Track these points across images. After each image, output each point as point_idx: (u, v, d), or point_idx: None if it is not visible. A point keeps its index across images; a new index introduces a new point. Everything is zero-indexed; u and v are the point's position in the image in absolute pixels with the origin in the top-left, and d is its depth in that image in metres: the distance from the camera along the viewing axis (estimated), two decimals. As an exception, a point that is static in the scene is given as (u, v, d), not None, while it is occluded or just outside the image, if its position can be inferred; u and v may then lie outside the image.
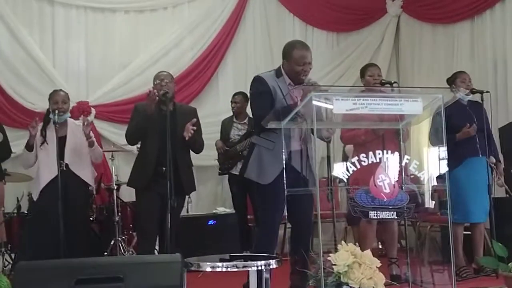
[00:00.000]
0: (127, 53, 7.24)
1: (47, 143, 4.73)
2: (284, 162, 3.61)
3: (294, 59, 3.87)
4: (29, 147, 4.74)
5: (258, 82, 3.97)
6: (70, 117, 5.03)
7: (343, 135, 4.78)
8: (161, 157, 4.28)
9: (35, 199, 4.83)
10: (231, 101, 6.37)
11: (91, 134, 4.83)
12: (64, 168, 4.67)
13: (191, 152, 4.68)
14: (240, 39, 7.67)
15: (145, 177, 4.44)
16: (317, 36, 8.01)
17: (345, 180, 3.26)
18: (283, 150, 3.65)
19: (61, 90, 4.98)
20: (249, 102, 4.90)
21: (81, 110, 6.85)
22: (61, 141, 4.71)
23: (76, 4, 7.07)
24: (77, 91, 6.98)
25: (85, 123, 4.78)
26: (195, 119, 4.42)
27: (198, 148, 4.66)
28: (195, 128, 4.38)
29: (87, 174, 4.91)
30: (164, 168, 4.17)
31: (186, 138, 4.36)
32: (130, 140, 4.66)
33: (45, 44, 6.95)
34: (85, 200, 5.13)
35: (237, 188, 6.14)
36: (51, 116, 4.72)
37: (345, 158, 5.94)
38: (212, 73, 7.46)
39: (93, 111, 6.92)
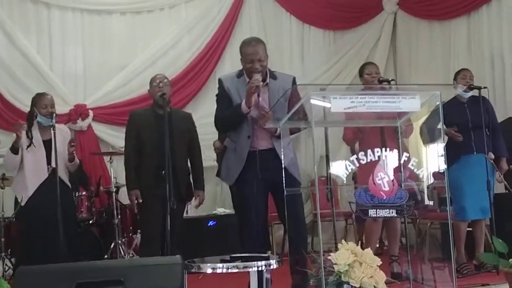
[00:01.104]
0: (125, 55, 7.24)
1: (34, 146, 4.66)
2: (283, 162, 3.59)
3: (243, 57, 3.88)
4: (15, 149, 4.62)
5: (218, 84, 4.03)
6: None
7: (345, 137, 4.79)
8: (159, 161, 4.26)
9: (22, 204, 4.69)
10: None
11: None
12: (51, 173, 4.61)
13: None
14: (237, 39, 7.64)
15: (146, 184, 4.43)
16: (314, 35, 8.02)
17: (344, 178, 3.25)
18: (282, 151, 3.65)
19: (45, 93, 4.89)
20: None
21: (79, 113, 6.85)
22: (46, 145, 4.67)
23: (72, 6, 7.07)
24: (75, 93, 6.99)
25: (72, 143, 4.71)
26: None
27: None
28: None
29: (67, 178, 4.85)
30: (163, 172, 4.12)
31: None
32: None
33: (42, 47, 6.95)
34: (72, 203, 5.11)
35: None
36: (39, 119, 4.67)
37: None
38: (209, 73, 7.46)
39: (91, 113, 6.92)
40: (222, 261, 2.98)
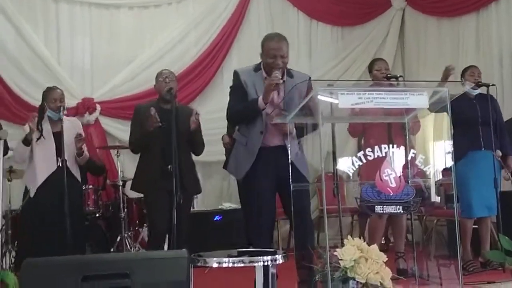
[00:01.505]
0: (132, 49, 7.26)
1: (44, 138, 4.67)
2: (290, 158, 3.59)
3: (265, 52, 3.80)
4: (27, 142, 4.66)
5: (233, 76, 3.95)
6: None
7: (349, 128, 4.80)
8: (165, 156, 4.25)
9: (32, 195, 4.71)
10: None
11: (84, 147, 4.81)
12: (60, 165, 4.60)
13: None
14: (244, 34, 7.66)
15: (152, 179, 4.40)
16: (321, 31, 8.01)
17: (351, 174, 3.25)
18: (289, 146, 3.64)
19: (55, 87, 4.93)
20: None
21: (86, 107, 6.87)
22: (56, 137, 4.68)
23: (80, 0, 7.09)
24: (82, 87, 7.01)
25: (78, 138, 4.70)
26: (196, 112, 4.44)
27: (201, 149, 4.66)
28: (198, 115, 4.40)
29: (77, 171, 4.87)
30: (169, 167, 4.11)
31: (192, 128, 4.35)
32: (134, 150, 4.70)
33: (49, 41, 6.97)
34: (80, 196, 5.11)
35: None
36: (48, 113, 4.70)
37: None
38: (217, 68, 7.47)
39: (98, 107, 6.93)
40: (228, 255, 2.98)
